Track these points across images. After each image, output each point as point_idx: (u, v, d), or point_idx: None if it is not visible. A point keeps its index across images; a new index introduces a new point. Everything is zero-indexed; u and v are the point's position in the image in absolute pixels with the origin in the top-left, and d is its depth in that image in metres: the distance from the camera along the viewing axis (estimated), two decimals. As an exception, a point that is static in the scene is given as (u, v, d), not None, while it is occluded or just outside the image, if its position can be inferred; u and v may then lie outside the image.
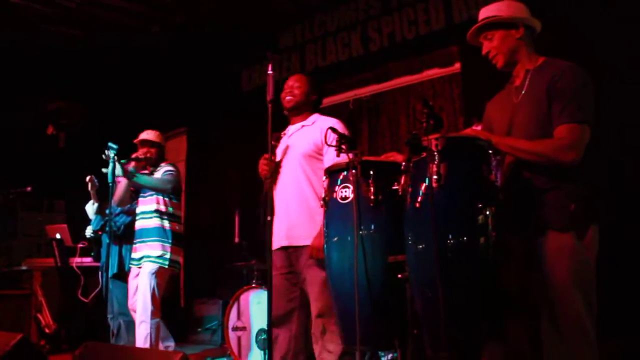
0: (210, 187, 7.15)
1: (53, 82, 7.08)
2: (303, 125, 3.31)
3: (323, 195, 2.61)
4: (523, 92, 2.51)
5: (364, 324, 2.35)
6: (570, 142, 2.31)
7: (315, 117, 3.34)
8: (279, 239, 3.19)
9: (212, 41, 6.80)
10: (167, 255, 4.36)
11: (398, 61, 5.82)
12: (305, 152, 3.16)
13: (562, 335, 2.26)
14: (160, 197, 4.45)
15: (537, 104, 2.41)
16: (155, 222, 4.42)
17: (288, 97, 3.34)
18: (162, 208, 4.44)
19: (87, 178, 4.78)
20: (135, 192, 4.65)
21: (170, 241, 4.40)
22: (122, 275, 4.71)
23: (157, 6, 6.14)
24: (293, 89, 3.34)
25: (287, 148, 3.25)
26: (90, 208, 5.05)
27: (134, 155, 4.48)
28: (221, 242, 6.35)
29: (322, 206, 2.61)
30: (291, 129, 3.39)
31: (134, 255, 4.47)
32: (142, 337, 4.13)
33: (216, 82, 7.27)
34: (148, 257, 4.34)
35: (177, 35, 6.71)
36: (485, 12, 2.61)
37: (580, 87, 2.36)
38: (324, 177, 2.66)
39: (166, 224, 4.42)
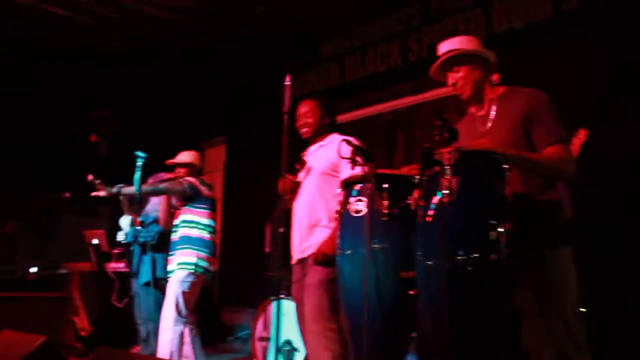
0: (247, 196, 7.18)
1: (96, 91, 7.26)
2: (321, 145, 3.35)
3: (337, 208, 2.59)
4: (490, 120, 2.57)
5: (373, 339, 2.31)
6: (572, 157, 2.44)
7: (333, 137, 3.35)
8: (294, 253, 3.25)
9: (255, 51, 6.85)
10: (197, 262, 4.37)
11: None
12: (322, 171, 3.19)
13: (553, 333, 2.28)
14: (190, 208, 4.50)
15: (510, 130, 2.47)
16: (185, 231, 4.46)
17: (304, 130, 3.40)
18: (192, 218, 4.48)
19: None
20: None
21: (201, 249, 4.43)
22: (154, 283, 4.76)
23: (198, 16, 6.22)
24: (306, 119, 3.38)
25: (307, 168, 3.28)
26: (125, 221, 5.13)
27: (165, 177, 4.66)
28: (255, 251, 6.37)
29: (336, 219, 2.59)
30: (311, 149, 3.45)
31: (169, 268, 4.49)
32: (164, 343, 4.16)
33: (257, 91, 7.31)
34: (178, 265, 4.38)
35: (219, 45, 6.79)
36: (448, 46, 2.68)
37: (554, 109, 2.46)
38: (340, 190, 2.64)
39: (196, 232, 4.45)
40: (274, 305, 4.49)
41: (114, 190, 4.28)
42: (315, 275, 3.02)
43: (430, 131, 2.30)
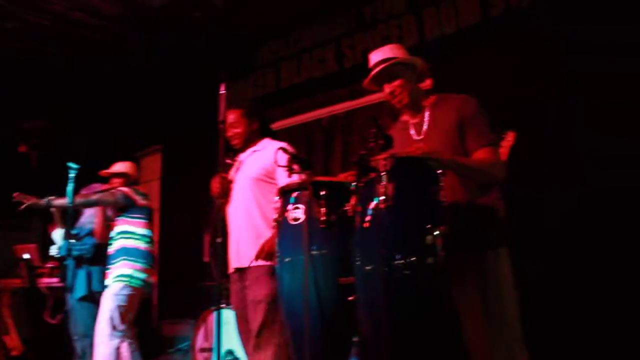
0: (184, 204, 7.06)
1: (25, 101, 7.02)
2: (254, 151, 3.35)
3: (275, 216, 2.59)
4: (425, 127, 2.62)
5: (315, 345, 2.31)
6: (501, 160, 2.46)
7: (266, 142, 3.35)
8: (232, 262, 3.20)
9: (190, 57, 6.76)
10: (133, 274, 4.29)
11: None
12: (255, 177, 3.18)
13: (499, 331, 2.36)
14: (125, 218, 4.41)
15: (444, 136, 2.53)
16: (121, 243, 4.37)
17: (234, 141, 3.39)
18: (127, 228, 4.40)
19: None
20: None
21: (136, 259, 4.34)
22: (90, 297, 4.64)
23: (134, 25, 6.09)
24: (234, 129, 3.37)
25: (238, 172, 3.27)
26: (58, 235, 4.98)
27: (99, 189, 4.56)
28: (194, 260, 6.28)
29: (274, 227, 2.59)
30: (244, 154, 3.45)
31: (106, 282, 4.37)
32: (99, 358, 4.05)
33: (192, 99, 7.21)
34: (114, 278, 4.28)
35: (153, 53, 6.67)
36: (380, 55, 2.69)
37: (484, 114, 2.54)
38: (277, 197, 2.63)
39: (131, 243, 4.36)
40: (214, 315, 4.44)
41: (44, 202, 4.15)
42: (260, 289, 3.00)
43: (366, 137, 2.33)
